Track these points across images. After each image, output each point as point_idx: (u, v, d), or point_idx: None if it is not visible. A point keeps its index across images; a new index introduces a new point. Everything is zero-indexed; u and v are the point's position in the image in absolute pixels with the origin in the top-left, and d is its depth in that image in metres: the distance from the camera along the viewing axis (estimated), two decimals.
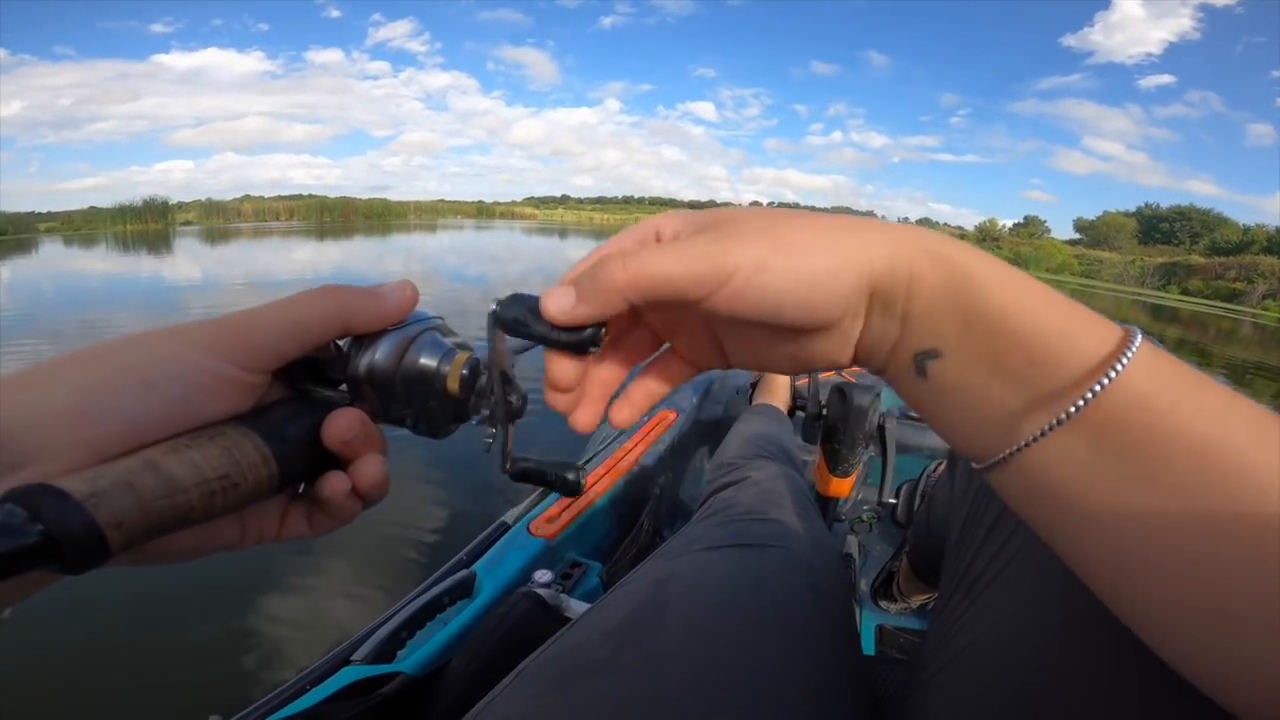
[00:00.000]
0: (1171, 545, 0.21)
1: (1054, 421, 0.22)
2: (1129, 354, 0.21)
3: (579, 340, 0.25)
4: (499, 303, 0.26)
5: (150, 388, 0.22)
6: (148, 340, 0.24)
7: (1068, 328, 0.23)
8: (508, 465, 0.31)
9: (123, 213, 23.26)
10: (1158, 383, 0.21)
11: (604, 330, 0.25)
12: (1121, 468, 0.22)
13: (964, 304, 0.24)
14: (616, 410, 0.30)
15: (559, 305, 0.24)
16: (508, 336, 0.28)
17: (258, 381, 0.26)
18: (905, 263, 0.24)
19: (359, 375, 0.28)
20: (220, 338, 0.25)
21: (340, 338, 0.28)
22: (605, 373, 0.29)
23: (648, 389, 0.31)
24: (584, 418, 0.29)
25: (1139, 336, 0.22)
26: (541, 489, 1.17)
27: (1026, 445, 0.23)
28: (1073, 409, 0.22)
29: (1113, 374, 0.21)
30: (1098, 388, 0.21)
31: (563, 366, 0.27)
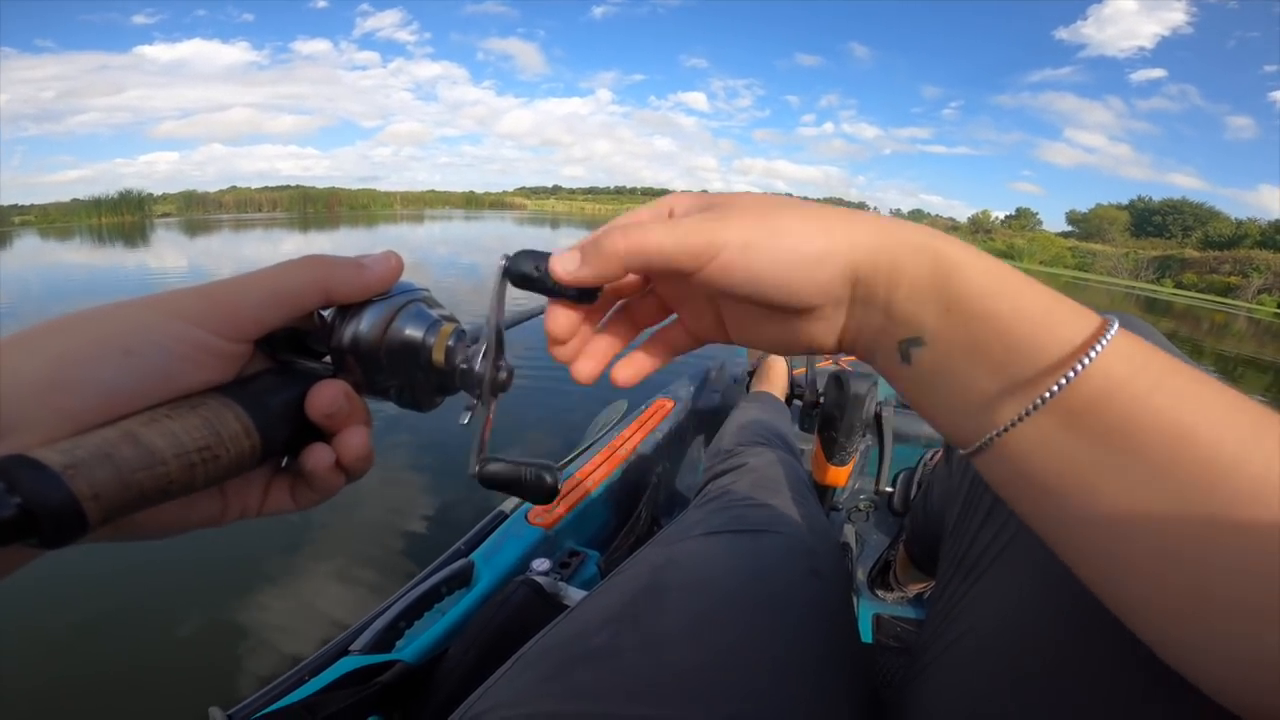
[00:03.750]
0: (1150, 530, 0.21)
1: (1030, 407, 0.23)
2: (1104, 341, 0.22)
3: (578, 292, 0.28)
4: (508, 257, 0.28)
5: (129, 356, 0.22)
6: (127, 309, 0.23)
7: (1046, 316, 0.23)
8: (477, 467, 0.31)
9: (98, 205, 22.84)
10: (1132, 369, 0.22)
11: (597, 292, 0.28)
12: (1097, 453, 0.22)
13: (946, 293, 0.24)
14: (619, 369, 0.31)
15: (565, 267, 0.27)
16: (504, 313, 0.29)
17: (239, 351, 0.25)
18: (888, 254, 0.25)
19: (343, 346, 0.28)
20: (201, 306, 0.24)
21: (324, 308, 0.28)
22: (613, 333, 0.31)
23: (651, 353, 0.32)
24: (586, 368, 0.30)
25: (1115, 324, 0.23)
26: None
27: (1005, 430, 0.24)
28: (1047, 394, 0.22)
29: (1086, 360, 0.22)
30: (1071, 374, 0.22)
31: (562, 319, 0.29)
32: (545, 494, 0.31)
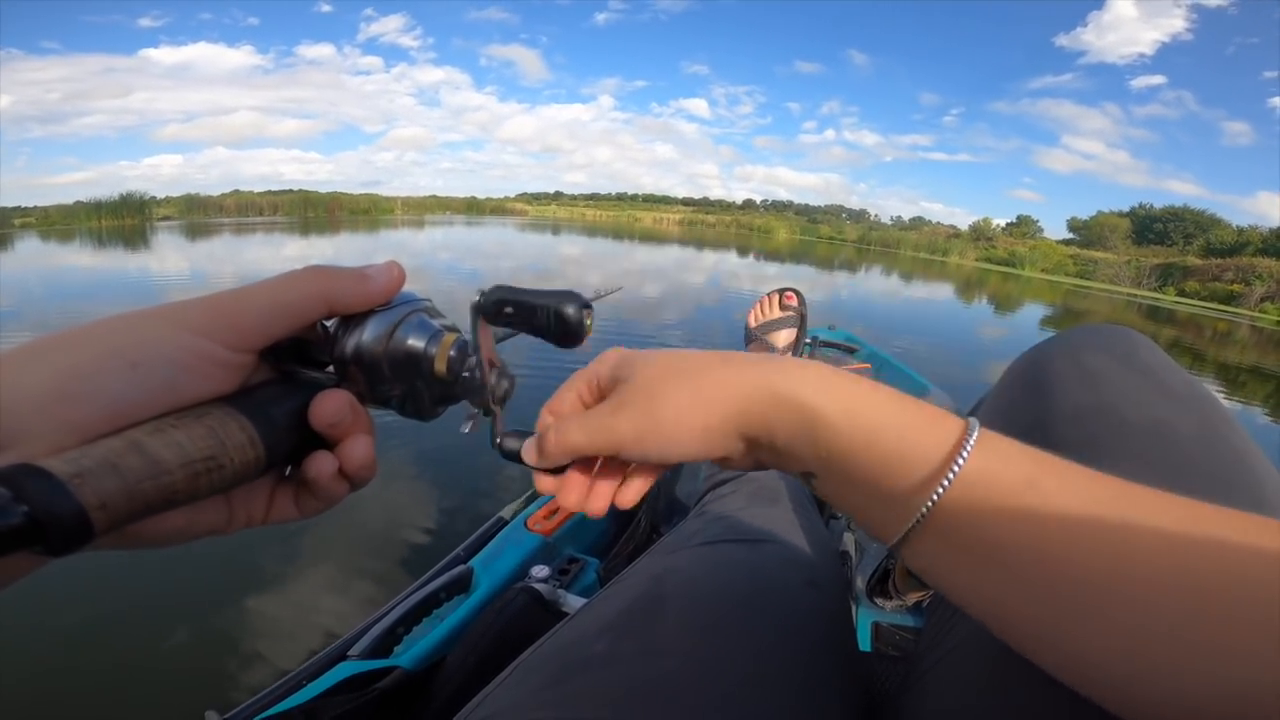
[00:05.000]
0: (1020, 624, 0.25)
1: (907, 529, 0.26)
2: (959, 462, 0.25)
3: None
4: (481, 293, 0.29)
5: (135, 368, 0.22)
6: (133, 320, 0.24)
7: (903, 447, 0.26)
8: (498, 440, 0.34)
9: (99, 208, 22.67)
10: (987, 481, 0.25)
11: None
12: (964, 560, 0.26)
13: (813, 441, 0.28)
14: (620, 496, 0.35)
15: (529, 456, 0.33)
16: (491, 340, 0.31)
17: (244, 362, 0.26)
18: (759, 414, 0.28)
19: (346, 356, 0.28)
20: (207, 317, 0.24)
21: (327, 318, 0.28)
22: (608, 473, 0.35)
23: (643, 476, 0.35)
24: (595, 507, 0.34)
25: (973, 434, 0.25)
26: None
27: (898, 545, 0.27)
28: (916, 520, 0.26)
29: (941, 489, 0.25)
30: (929, 503, 0.25)
31: (548, 483, 0.35)
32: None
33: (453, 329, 0.31)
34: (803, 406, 0.28)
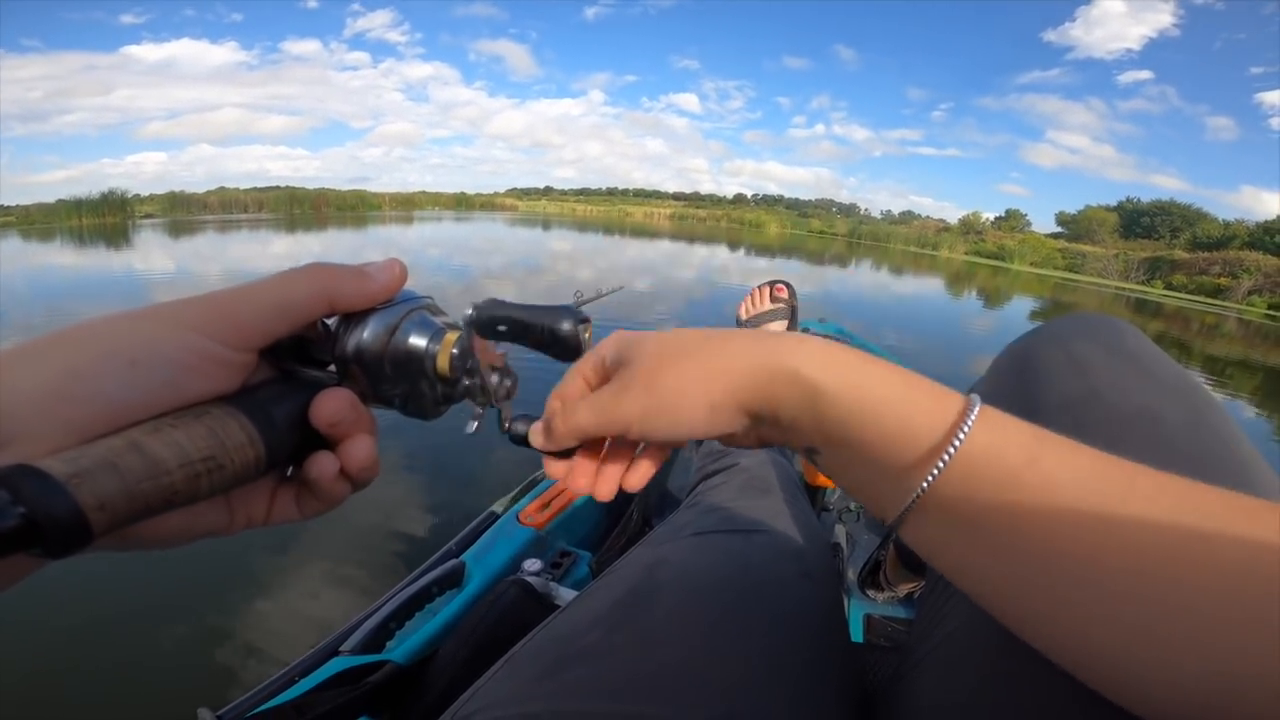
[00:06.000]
0: (1019, 604, 0.25)
1: (908, 504, 0.26)
2: (960, 437, 0.25)
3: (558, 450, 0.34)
4: (475, 306, 0.29)
5: (134, 367, 0.22)
6: (132, 319, 0.23)
7: (904, 422, 0.26)
8: (507, 426, 0.34)
9: (79, 206, 22.20)
10: (988, 456, 0.25)
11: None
12: (964, 538, 0.26)
13: (816, 416, 0.28)
14: (628, 480, 0.35)
15: (536, 441, 0.34)
16: (491, 347, 0.31)
17: (244, 361, 0.25)
18: (764, 388, 0.29)
19: (347, 355, 0.28)
20: (206, 316, 0.24)
21: (328, 317, 0.28)
22: (616, 456, 0.35)
23: (650, 459, 0.36)
24: (603, 491, 0.35)
25: (975, 409, 0.25)
26: (531, 478, 1.18)
27: (898, 522, 0.27)
28: (915, 496, 0.26)
29: (942, 463, 0.25)
30: (930, 478, 0.25)
31: (557, 467, 0.35)
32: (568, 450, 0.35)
33: (454, 327, 0.30)
34: (806, 380, 0.28)
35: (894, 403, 0.26)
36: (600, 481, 0.35)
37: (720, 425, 0.30)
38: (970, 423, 0.25)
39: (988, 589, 0.26)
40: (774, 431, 0.31)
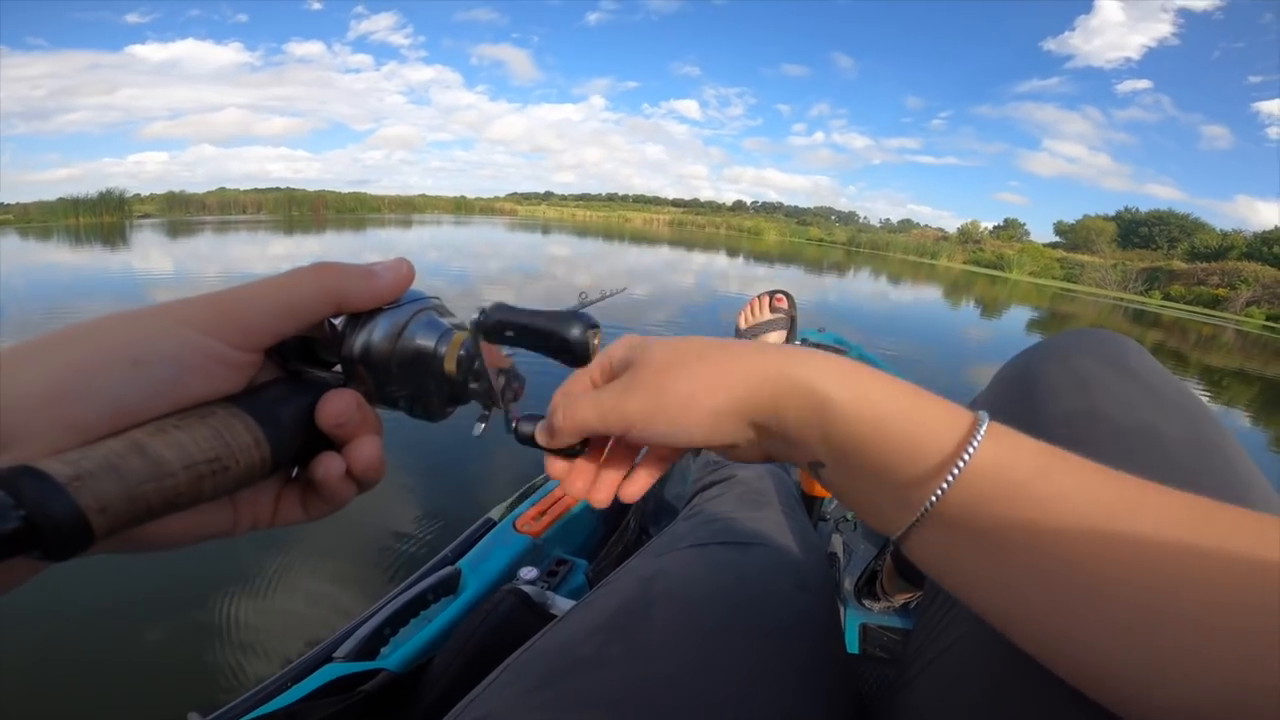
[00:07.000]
0: (1024, 618, 0.25)
1: (915, 519, 0.26)
2: (968, 452, 0.25)
3: (564, 450, 0.34)
4: (482, 311, 0.28)
5: (138, 367, 0.22)
6: (135, 318, 0.23)
7: (913, 436, 0.26)
8: (514, 426, 0.34)
9: (76, 205, 22.05)
10: (997, 470, 0.25)
11: (581, 445, 0.34)
12: (970, 552, 0.26)
13: (824, 429, 0.28)
14: (625, 488, 0.35)
15: (541, 438, 0.34)
16: (498, 352, 0.31)
17: (249, 361, 0.25)
18: (770, 398, 0.29)
19: (354, 355, 0.28)
20: (211, 315, 0.24)
21: (335, 316, 0.28)
22: (614, 462, 0.35)
23: (648, 469, 0.36)
24: (599, 496, 0.35)
25: (983, 426, 0.25)
26: (528, 485, 1.17)
27: (902, 537, 0.27)
28: (923, 510, 0.26)
29: (951, 477, 0.25)
30: (939, 492, 0.25)
31: (559, 467, 0.35)
32: (574, 448, 0.34)
33: (462, 327, 0.30)
34: (814, 393, 0.28)
35: (902, 417, 0.26)
36: (598, 486, 0.35)
37: (723, 434, 0.30)
38: (979, 438, 0.25)
39: (992, 603, 0.26)
40: (779, 444, 0.30)
